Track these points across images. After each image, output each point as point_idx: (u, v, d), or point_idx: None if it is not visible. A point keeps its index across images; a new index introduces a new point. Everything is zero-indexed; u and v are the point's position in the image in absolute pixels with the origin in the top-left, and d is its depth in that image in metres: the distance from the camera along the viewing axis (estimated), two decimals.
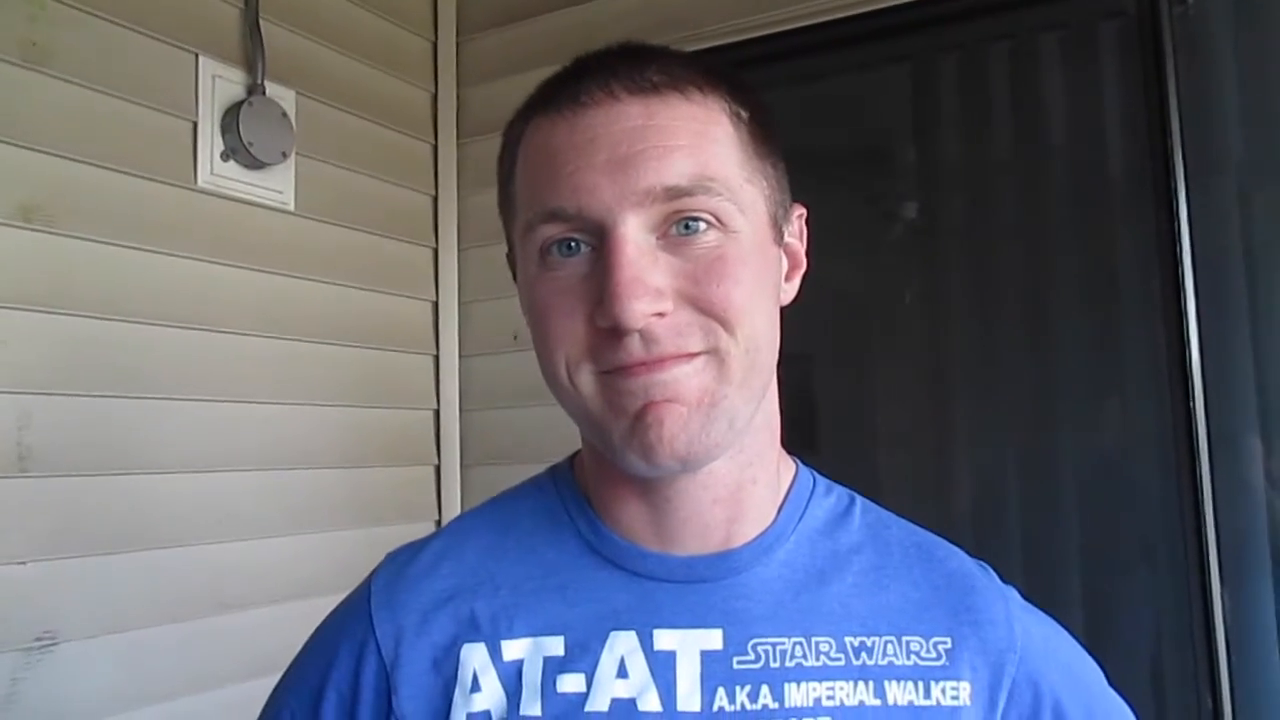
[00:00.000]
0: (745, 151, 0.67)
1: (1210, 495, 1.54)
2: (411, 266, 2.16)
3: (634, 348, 0.61)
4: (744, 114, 0.67)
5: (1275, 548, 1.52)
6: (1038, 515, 1.70)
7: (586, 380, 0.64)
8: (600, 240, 0.62)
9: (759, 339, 0.65)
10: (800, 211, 0.74)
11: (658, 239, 0.63)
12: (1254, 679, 1.51)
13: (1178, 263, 1.58)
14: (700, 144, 0.64)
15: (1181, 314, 1.58)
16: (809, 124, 1.93)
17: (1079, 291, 1.69)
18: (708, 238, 0.63)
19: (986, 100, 1.80)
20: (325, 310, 1.93)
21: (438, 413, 2.18)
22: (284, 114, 1.81)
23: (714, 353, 0.63)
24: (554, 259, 0.64)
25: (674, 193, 0.62)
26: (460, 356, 2.20)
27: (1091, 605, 1.63)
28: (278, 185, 1.83)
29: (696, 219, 0.63)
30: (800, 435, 1.85)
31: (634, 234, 0.62)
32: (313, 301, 1.90)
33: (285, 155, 1.81)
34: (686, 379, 0.62)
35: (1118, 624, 1.62)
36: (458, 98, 2.23)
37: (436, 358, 2.19)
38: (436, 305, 2.20)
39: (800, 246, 0.74)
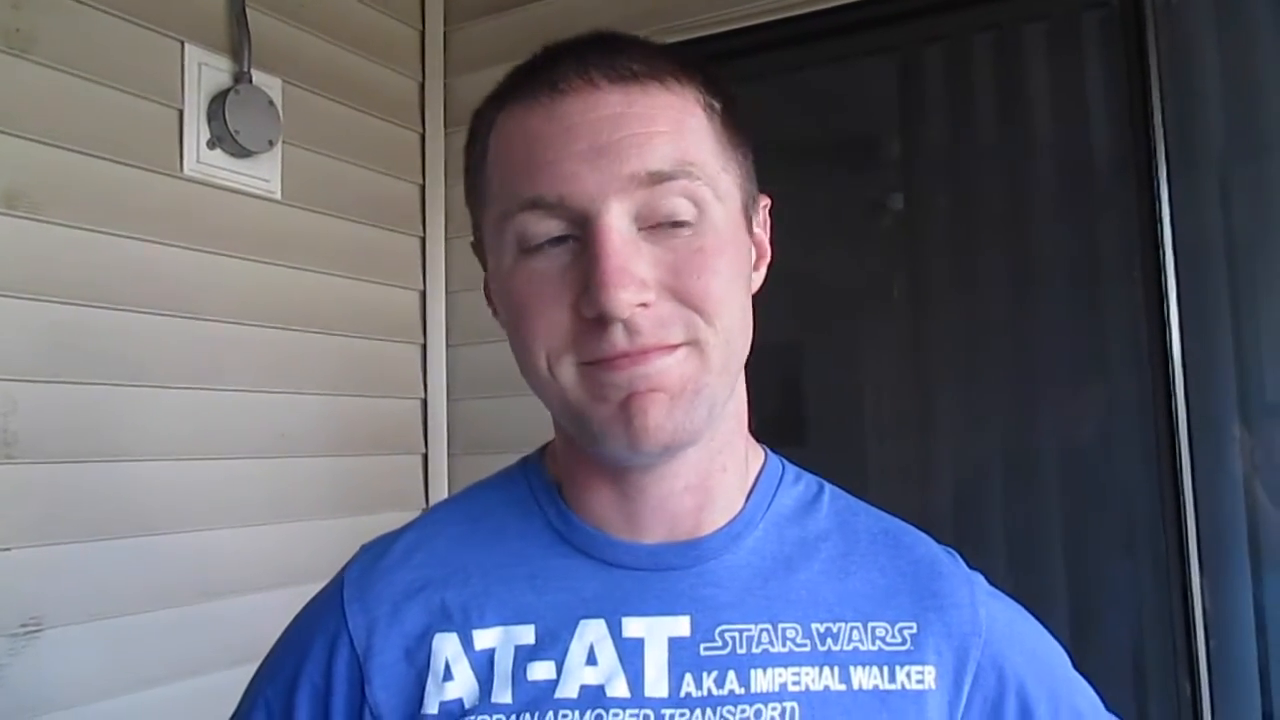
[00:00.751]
0: (719, 141, 0.67)
1: (1190, 483, 1.55)
2: (398, 256, 2.17)
3: (617, 338, 0.61)
4: (716, 105, 0.68)
5: (1254, 536, 1.53)
6: (1020, 503, 1.71)
7: (567, 371, 0.64)
8: (583, 229, 0.62)
9: (735, 329, 0.66)
10: (766, 202, 0.74)
11: (640, 229, 0.63)
12: (1232, 665, 1.52)
13: (1159, 252, 1.59)
14: (679, 131, 0.64)
15: (1163, 303, 1.59)
16: (793, 116, 1.93)
17: (1062, 281, 1.70)
18: (687, 229, 0.64)
19: (970, 91, 1.80)
20: (312, 299, 1.93)
21: (425, 402, 2.19)
22: (270, 102, 1.81)
23: (695, 344, 0.64)
24: (533, 249, 0.64)
25: (657, 177, 0.62)
26: (447, 346, 2.20)
27: (1072, 592, 1.65)
28: (264, 173, 1.83)
29: (680, 220, 0.63)
30: (783, 424, 1.86)
31: (618, 222, 0.62)
32: (299, 290, 1.90)
33: (272, 143, 1.81)
34: (669, 370, 0.63)
35: (1098, 610, 1.63)
36: (445, 87, 2.24)
37: (424, 347, 2.20)
38: (424, 294, 2.21)
39: (765, 237, 0.74)
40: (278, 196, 1.86)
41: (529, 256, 0.64)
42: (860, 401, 1.89)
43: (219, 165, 1.74)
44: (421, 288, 2.20)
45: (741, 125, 0.70)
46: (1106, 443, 1.65)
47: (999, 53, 1.77)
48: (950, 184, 1.82)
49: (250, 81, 1.77)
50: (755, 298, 0.71)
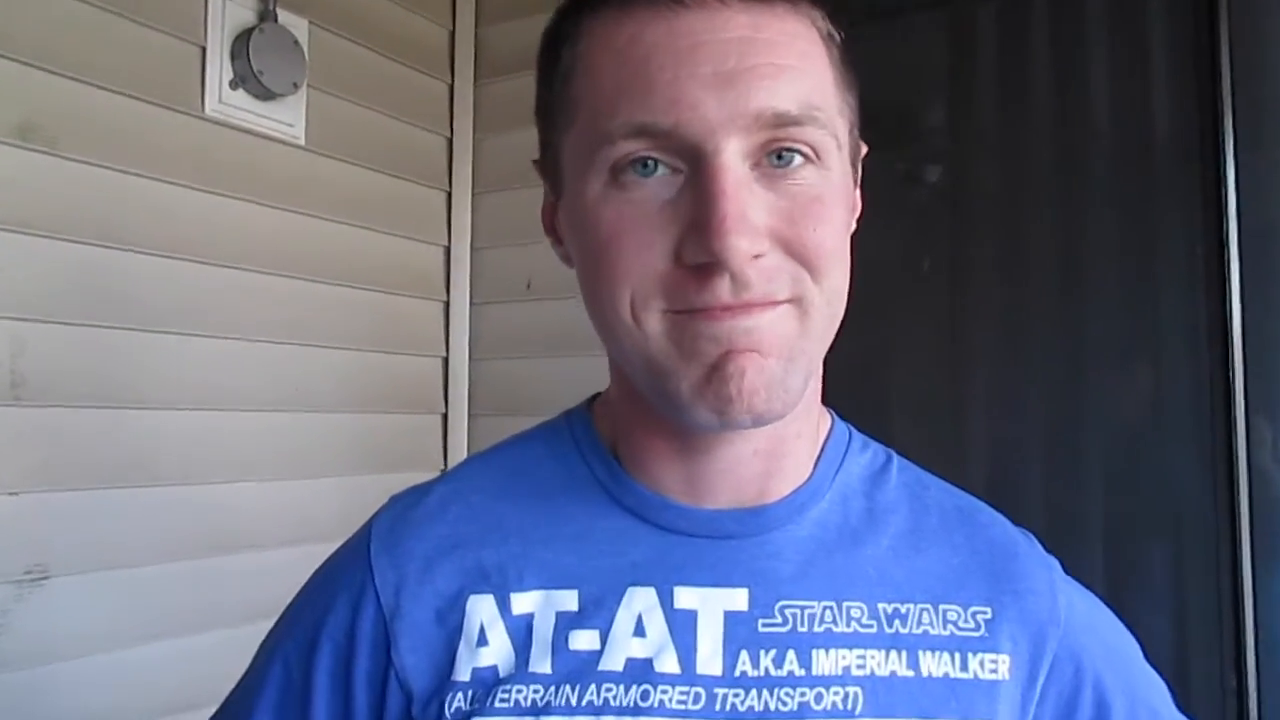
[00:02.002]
0: (838, 80, 0.61)
1: (1245, 470, 1.49)
2: (424, 209, 2.10)
3: (722, 290, 0.55)
4: (837, 36, 0.62)
5: None
6: (1070, 484, 1.65)
7: (653, 320, 0.57)
8: (693, 164, 0.56)
9: (840, 290, 0.60)
10: (864, 150, 0.67)
11: (751, 168, 0.56)
12: None
13: (1223, 233, 1.52)
14: (806, 66, 0.58)
15: (1225, 286, 1.52)
16: None
17: (1120, 260, 1.64)
18: (804, 174, 0.57)
19: (1026, 56, 1.73)
20: (334, 250, 1.87)
21: (446, 360, 2.13)
22: (296, 43, 1.74)
23: (798, 302, 0.58)
24: (629, 179, 0.57)
25: (783, 119, 0.56)
26: (471, 304, 2.14)
27: (1119, 576, 1.60)
28: (288, 118, 1.77)
29: (794, 150, 0.57)
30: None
31: (734, 162, 0.55)
32: (321, 240, 1.84)
33: (297, 86, 1.74)
34: (770, 327, 0.57)
35: (1144, 596, 1.59)
36: (476, 36, 2.16)
37: (447, 304, 2.14)
38: (448, 250, 2.14)
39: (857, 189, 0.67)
40: (301, 142, 1.80)
41: (622, 186, 0.57)
42: (903, 379, 1.84)
43: (241, 106, 1.68)
44: (446, 243, 2.14)
45: (853, 62, 0.63)
46: (1161, 426, 1.60)
47: (1057, 17, 1.70)
48: (1001, 155, 1.75)
49: (276, 20, 1.71)
50: None
